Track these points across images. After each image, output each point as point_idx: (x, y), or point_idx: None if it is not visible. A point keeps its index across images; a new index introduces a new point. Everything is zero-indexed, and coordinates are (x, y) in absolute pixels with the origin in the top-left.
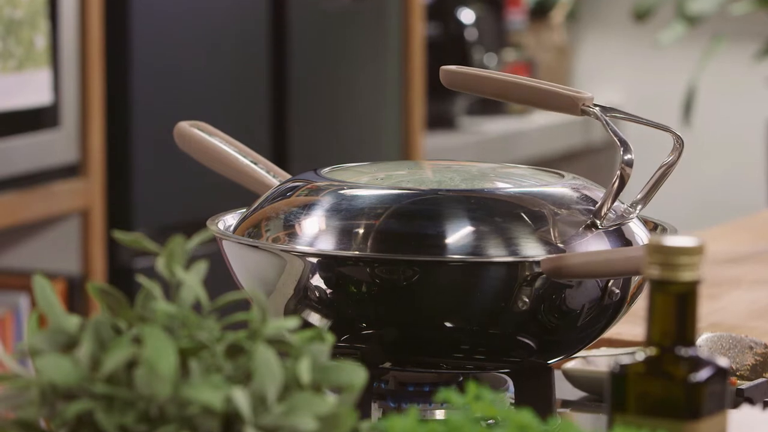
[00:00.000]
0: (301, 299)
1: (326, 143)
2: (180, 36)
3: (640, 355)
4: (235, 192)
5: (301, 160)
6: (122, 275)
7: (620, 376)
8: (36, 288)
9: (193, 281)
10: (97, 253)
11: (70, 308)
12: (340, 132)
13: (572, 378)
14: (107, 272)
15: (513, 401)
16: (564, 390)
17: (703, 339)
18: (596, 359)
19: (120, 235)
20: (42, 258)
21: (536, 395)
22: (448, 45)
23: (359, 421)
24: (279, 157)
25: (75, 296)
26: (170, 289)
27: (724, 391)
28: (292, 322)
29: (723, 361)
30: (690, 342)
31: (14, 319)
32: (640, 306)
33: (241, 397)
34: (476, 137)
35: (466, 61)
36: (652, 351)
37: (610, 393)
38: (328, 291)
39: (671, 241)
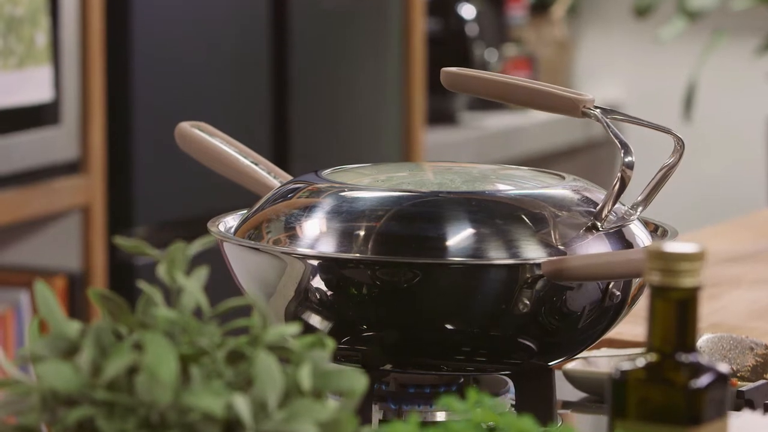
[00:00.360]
0: (302, 301)
1: (327, 140)
2: (181, 33)
3: (641, 361)
4: (235, 189)
5: (301, 156)
6: (123, 272)
7: (621, 382)
8: (37, 294)
9: (193, 287)
10: (97, 250)
11: (71, 305)
12: (341, 128)
13: (573, 379)
14: (108, 269)
15: (513, 403)
16: (565, 391)
17: (703, 340)
18: (597, 360)
19: (121, 241)
20: (43, 255)
21: (537, 397)
22: (449, 40)
23: (360, 427)
24: (280, 153)
25: (75, 293)
26: (171, 295)
27: (724, 398)
28: (293, 328)
29: (723, 367)
30: (691, 348)
31: (15, 316)
32: (641, 306)
33: (242, 404)
34: (477, 133)
35: (466, 56)
36: (652, 357)
37: (611, 399)
38: (329, 293)
39: (672, 247)
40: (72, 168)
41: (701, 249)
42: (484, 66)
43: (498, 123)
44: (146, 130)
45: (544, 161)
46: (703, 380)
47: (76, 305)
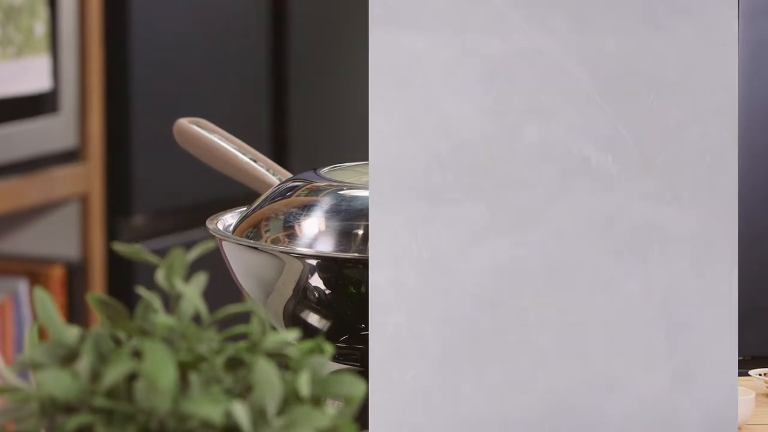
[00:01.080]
0: (301, 300)
1: (325, 131)
2: (179, 23)
3: None
4: (233, 179)
5: (301, 148)
6: (121, 261)
7: None
8: (36, 300)
9: (192, 293)
10: (96, 239)
11: (69, 294)
12: (340, 119)
13: None
14: (106, 257)
15: None
16: None
17: None
18: None
19: (120, 247)
20: (41, 243)
21: None
22: None
23: None
24: (279, 146)
25: (74, 282)
26: (170, 300)
27: None
28: (292, 334)
29: None
30: None
31: (14, 305)
32: None
33: (240, 411)
34: None
35: None
36: None
37: None
38: (328, 292)
39: None
40: (70, 156)
41: None
42: None
43: None
44: (144, 119)
45: None
46: None
47: (75, 294)
